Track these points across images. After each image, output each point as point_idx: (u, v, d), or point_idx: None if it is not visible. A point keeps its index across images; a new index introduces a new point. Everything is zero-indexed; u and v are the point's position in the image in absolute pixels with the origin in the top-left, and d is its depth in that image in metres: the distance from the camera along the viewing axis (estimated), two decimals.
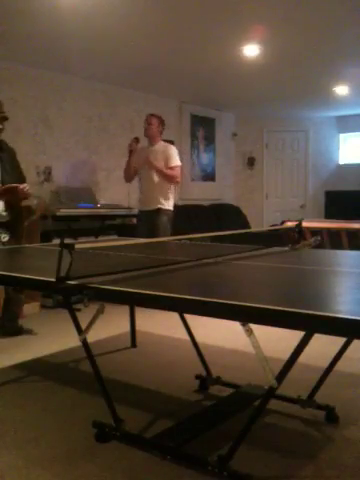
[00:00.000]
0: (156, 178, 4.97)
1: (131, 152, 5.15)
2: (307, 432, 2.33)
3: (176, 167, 5.03)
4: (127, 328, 3.73)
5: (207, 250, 3.33)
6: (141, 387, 2.90)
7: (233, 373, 3.01)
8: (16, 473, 1.98)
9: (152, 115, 5.14)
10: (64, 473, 1.98)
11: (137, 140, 5.14)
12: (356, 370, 3.08)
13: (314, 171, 8.39)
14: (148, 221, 4.98)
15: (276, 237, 4.75)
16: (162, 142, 5.16)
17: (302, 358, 1.79)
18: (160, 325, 4.13)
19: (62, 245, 1.89)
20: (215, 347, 3.55)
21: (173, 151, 5.07)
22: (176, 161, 5.04)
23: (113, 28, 4.22)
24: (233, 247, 3.22)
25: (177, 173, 5.04)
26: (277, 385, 1.73)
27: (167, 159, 5.00)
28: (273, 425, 2.39)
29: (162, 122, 5.14)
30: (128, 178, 5.28)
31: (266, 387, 1.85)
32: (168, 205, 5.03)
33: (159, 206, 4.97)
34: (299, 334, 1.67)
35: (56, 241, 4.29)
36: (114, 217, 5.76)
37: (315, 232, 4.61)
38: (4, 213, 3.75)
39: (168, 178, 4.99)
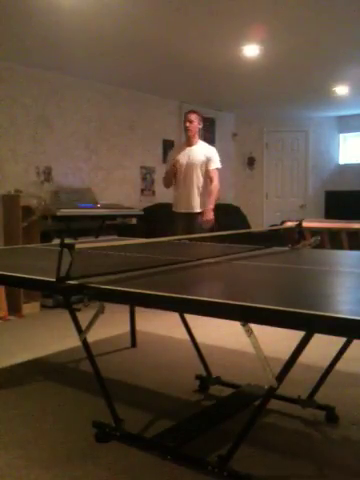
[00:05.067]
0: (197, 180, 4.80)
1: (173, 171, 4.86)
2: (307, 432, 2.33)
3: (214, 170, 4.81)
4: (127, 328, 3.73)
5: (207, 250, 3.33)
6: (141, 387, 2.90)
7: (233, 373, 3.01)
8: (16, 473, 1.98)
9: (192, 112, 4.87)
10: (64, 473, 1.97)
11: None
12: (356, 370, 3.08)
13: (314, 171, 8.38)
14: (187, 224, 4.78)
15: (276, 237, 4.75)
16: (202, 142, 4.94)
17: (302, 358, 1.79)
18: (160, 325, 4.13)
19: (62, 245, 1.89)
20: (215, 347, 3.55)
21: (215, 153, 4.85)
22: (217, 164, 4.83)
23: (113, 28, 4.22)
24: (233, 247, 3.22)
25: (216, 176, 4.81)
26: (277, 385, 1.72)
27: (209, 161, 4.79)
28: (273, 425, 2.39)
29: (202, 119, 4.88)
30: (169, 185, 5.01)
31: (266, 387, 1.85)
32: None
33: (199, 210, 4.79)
34: (299, 334, 1.67)
35: (56, 241, 4.29)
36: (114, 217, 5.76)
37: (315, 232, 4.60)
38: None
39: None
